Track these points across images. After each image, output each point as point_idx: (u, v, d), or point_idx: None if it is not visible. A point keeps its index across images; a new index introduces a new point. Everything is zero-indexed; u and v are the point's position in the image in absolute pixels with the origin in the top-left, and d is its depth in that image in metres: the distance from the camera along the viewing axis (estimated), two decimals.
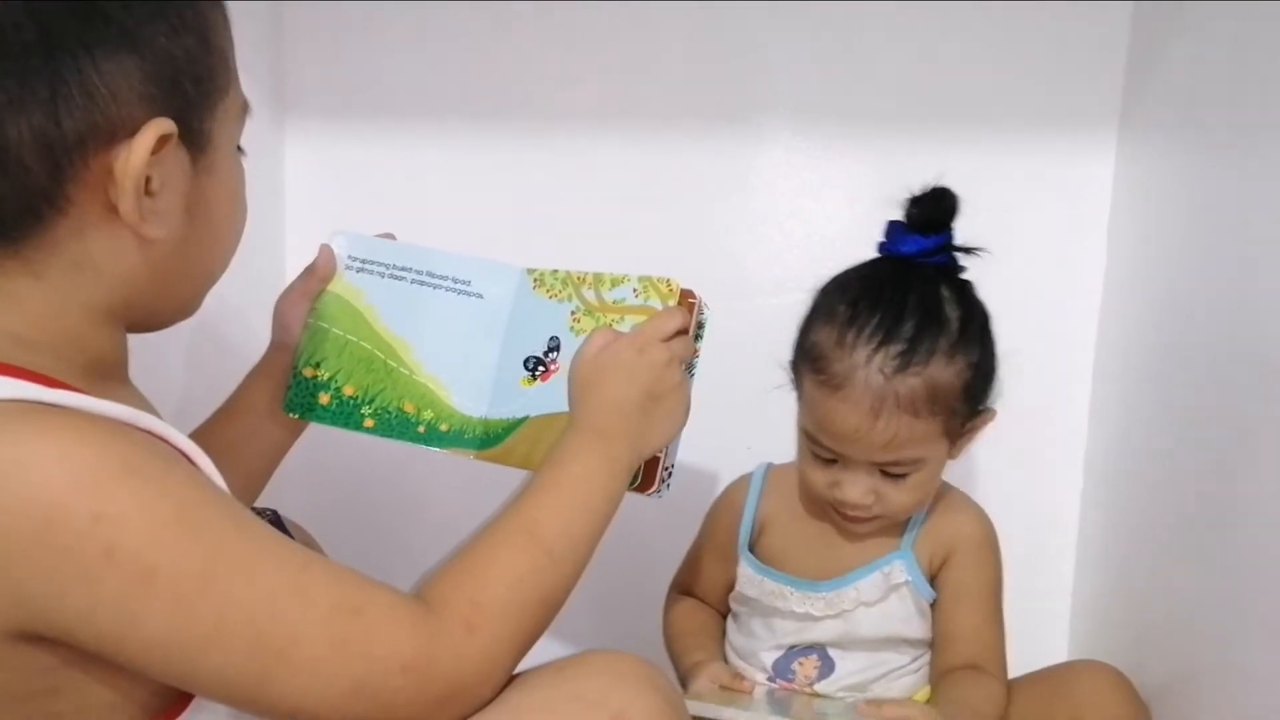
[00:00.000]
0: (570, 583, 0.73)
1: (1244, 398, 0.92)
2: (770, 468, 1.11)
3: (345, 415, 0.96)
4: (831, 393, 0.94)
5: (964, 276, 0.99)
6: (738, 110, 1.33)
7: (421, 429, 0.95)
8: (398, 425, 0.96)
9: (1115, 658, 1.03)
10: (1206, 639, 0.96)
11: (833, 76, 1.31)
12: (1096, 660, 1.03)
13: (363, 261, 0.97)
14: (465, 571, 0.68)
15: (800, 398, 1.01)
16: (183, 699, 0.64)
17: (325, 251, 0.96)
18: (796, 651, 1.03)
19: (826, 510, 1.03)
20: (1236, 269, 0.96)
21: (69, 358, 0.64)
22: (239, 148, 0.73)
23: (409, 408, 0.96)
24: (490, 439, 0.94)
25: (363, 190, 1.40)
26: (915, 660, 1.03)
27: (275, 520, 0.91)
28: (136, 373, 0.72)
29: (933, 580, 1.03)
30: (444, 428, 0.95)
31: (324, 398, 0.95)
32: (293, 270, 0.98)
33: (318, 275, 0.96)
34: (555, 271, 0.94)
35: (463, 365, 0.96)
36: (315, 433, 0.98)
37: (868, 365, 0.92)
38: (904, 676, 1.03)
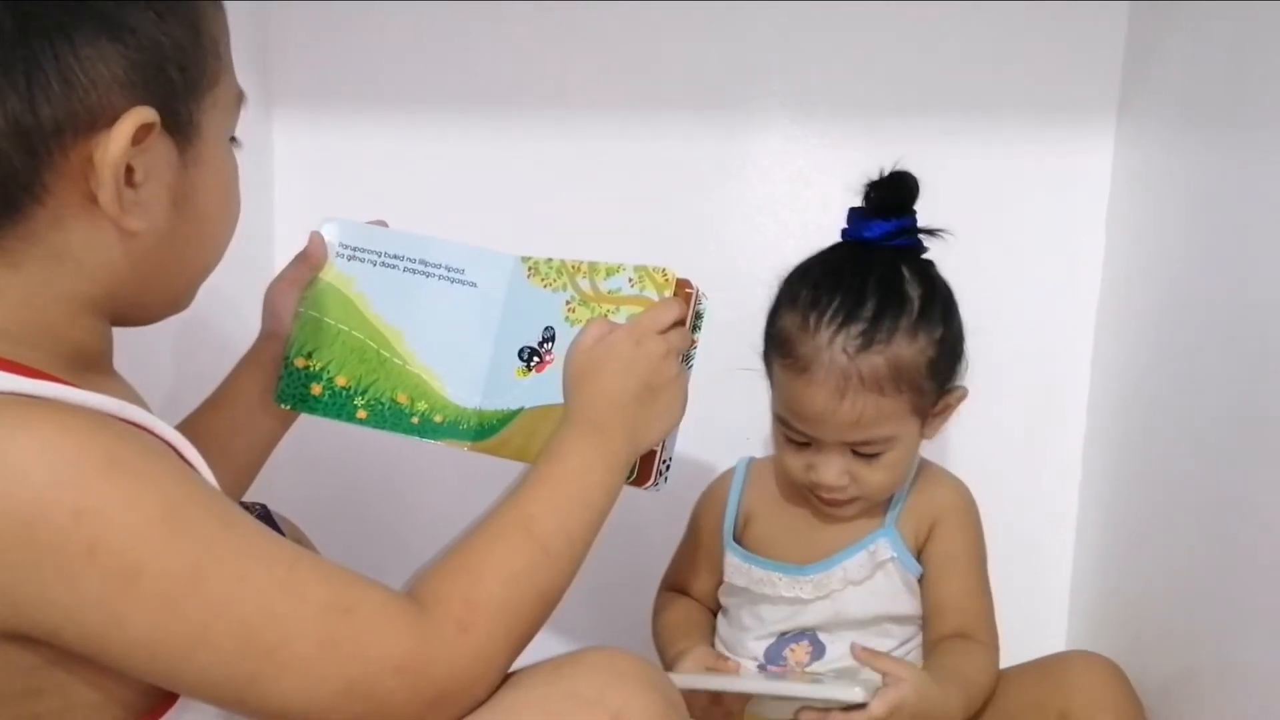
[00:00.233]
0: (567, 579, 0.71)
1: (1243, 389, 0.91)
2: (752, 461, 1.13)
3: (338, 406, 0.94)
4: (798, 375, 0.96)
5: (928, 257, 1.01)
6: (734, 99, 1.32)
7: (415, 420, 0.94)
8: (391, 416, 0.94)
9: (1113, 652, 1.03)
10: (1205, 633, 0.96)
11: (830, 65, 1.30)
12: (1090, 651, 1.03)
13: (354, 249, 0.95)
14: (459, 569, 0.67)
15: (772, 384, 1.03)
16: (168, 698, 0.62)
17: (316, 239, 0.95)
18: (788, 638, 1.04)
19: (807, 496, 1.04)
20: (1235, 259, 0.95)
21: (49, 349, 0.62)
22: (233, 139, 0.71)
23: (402, 399, 0.94)
24: (485, 430, 0.93)
25: (352, 180, 1.38)
26: (904, 644, 1.03)
27: (265, 515, 0.89)
28: (122, 363, 0.70)
29: (918, 556, 1.04)
30: (438, 419, 0.94)
31: (316, 388, 0.94)
32: (282, 259, 0.96)
33: (309, 263, 0.94)
34: (550, 260, 0.92)
35: (456, 355, 0.94)
36: (306, 425, 0.97)
37: (831, 346, 0.95)
38: None
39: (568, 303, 0.90)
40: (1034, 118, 1.27)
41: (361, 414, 0.94)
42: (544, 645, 0.70)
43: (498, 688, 0.66)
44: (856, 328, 0.94)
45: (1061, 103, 1.26)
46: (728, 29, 1.30)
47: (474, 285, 0.95)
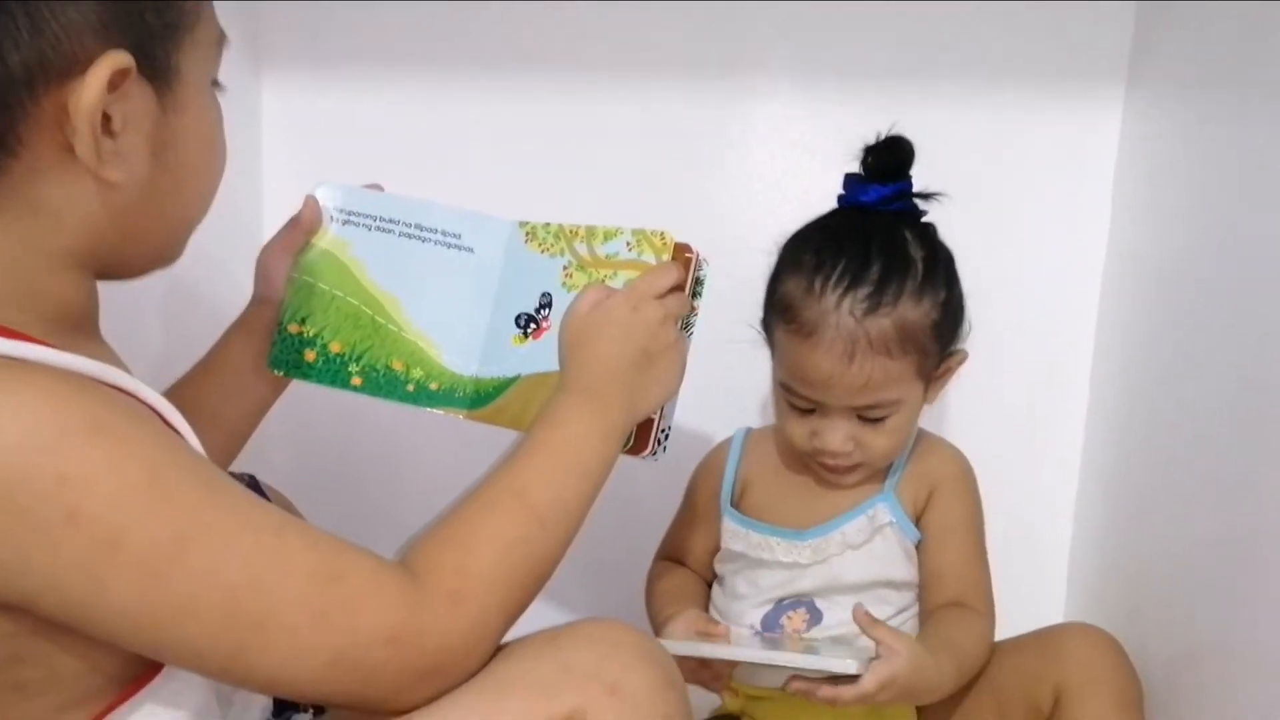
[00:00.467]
0: (561, 549, 0.70)
1: (1248, 363, 0.91)
2: (750, 431, 1.13)
3: (332, 373, 0.93)
4: (804, 340, 0.96)
5: (929, 220, 1.01)
6: (734, 64, 1.30)
7: (410, 388, 0.93)
8: (386, 384, 0.93)
9: (1110, 625, 1.02)
10: (1204, 607, 0.96)
11: (833, 31, 1.28)
12: (1087, 623, 1.03)
13: (349, 213, 0.94)
14: (452, 538, 0.66)
15: (774, 352, 1.03)
16: (154, 667, 0.61)
17: (310, 203, 0.93)
18: (785, 605, 1.03)
19: (808, 464, 1.05)
20: (1242, 231, 0.95)
21: (31, 308, 0.60)
22: (215, 82, 0.69)
23: (398, 365, 0.93)
24: (481, 398, 0.92)
25: (343, 142, 1.35)
26: (901, 613, 1.03)
27: (253, 485, 0.88)
28: (110, 328, 0.68)
29: (917, 523, 1.04)
30: (434, 386, 0.93)
31: (310, 355, 0.93)
32: (271, 222, 0.95)
33: (303, 228, 0.93)
34: (548, 225, 0.91)
35: (453, 322, 0.93)
36: (296, 392, 0.96)
37: (838, 309, 0.95)
38: None
39: (565, 268, 0.89)
40: (1042, 86, 1.26)
41: (356, 381, 0.93)
42: (538, 616, 0.69)
43: (490, 659, 0.65)
44: (863, 290, 0.94)
45: (1069, 71, 1.25)
46: None
47: (471, 251, 0.94)
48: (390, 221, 0.94)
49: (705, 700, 0.99)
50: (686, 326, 0.87)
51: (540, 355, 0.88)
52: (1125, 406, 1.20)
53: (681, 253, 0.85)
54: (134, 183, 0.62)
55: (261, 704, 0.72)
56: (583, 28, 1.31)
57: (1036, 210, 1.27)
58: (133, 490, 0.54)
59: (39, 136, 0.58)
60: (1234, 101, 0.99)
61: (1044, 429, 1.31)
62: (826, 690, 0.87)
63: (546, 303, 0.90)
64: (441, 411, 0.93)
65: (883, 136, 0.99)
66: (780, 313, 0.99)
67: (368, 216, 0.94)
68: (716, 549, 1.10)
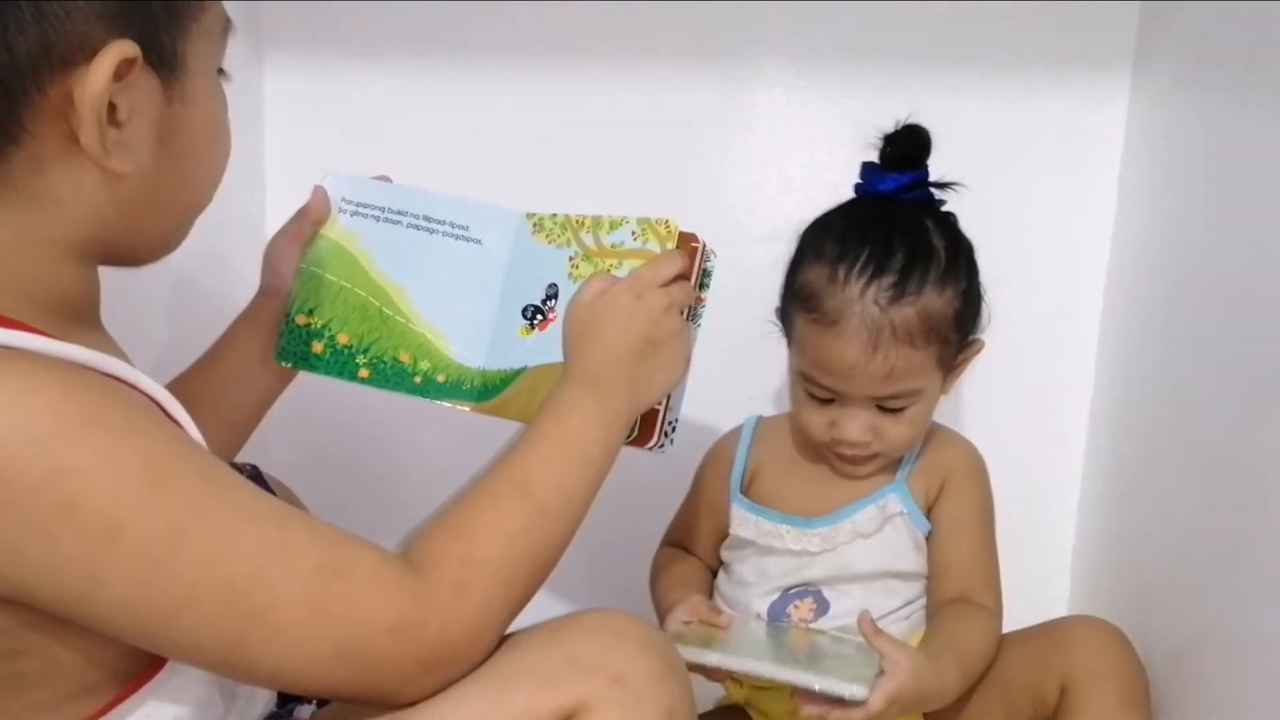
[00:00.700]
0: (565, 540, 0.70)
1: (1254, 351, 0.90)
2: (760, 419, 1.13)
3: (340, 365, 0.93)
4: (827, 329, 0.95)
5: (952, 210, 1.01)
6: (738, 50, 1.29)
7: (418, 380, 0.93)
8: (393, 376, 0.93)
9: (1115, 616, 1.02)
10: (1209, 597, 0.95)
11: (837, 20, 1.27)
12: (1093, 616, 1.03)
13: (357, 204, 0.94)
14: (455, 529, 0.65)
15: (792, 341, 1.02)
16: (156, 662, 0.61)
17: (319, 194, 0.93)
18: (792, 594, 1.03)
19: (823, 454, 1.04)
20: (1248, 218, 0.94)
21: (31, 297, 0.60)
22: (221, 70, 0.69)
23: (405, 357, 0.93)
24: (488, 390, 0.91)
25: (345, 128, 1.35)
26: (907, 605, 1.03)
27: (255, 476, 0.88)
28: (113, 320, 0.68)
29: (928, 514, 1.04)
30: (441, 379, 0.93)
31: (318, 346, 0.93)
32: (274, 211, 0.95)
33: (310, 218, 0.93)
34: (554, 215, 0.90)
35: (460, 314, 0.93)
36: (299, 382, 0.96)
37: (862, 298, 0.94)
38: (896, 623, 1.02)
39: (571, 259, 0.88)
40: (1047, 72, 1.25)
41: (363, 373, 0.93)
42: (541, 607, 0.69)
43: (494, 650, 0.65)
44: (888, 279, 0.94)
45: (1076, 57, 1.24)
46: None
47: (479, 242, 0.94)
48: (398, 213, 0.94)
49: (709, 690, 0.98)
50: (694, 317, 0.87)
51: (547, 347, 0.88)
52: (1130, 396, 1.20)
53: (687, 242, 0.85)
54: (139, 173, 0.62)
55: (265, 697, 0.72)
56: (585, 15, 1.30)
57: (1041, 200, 1.26)
58: (130, 482, 0.54)
59: (43, 125, 0.58)
60: (1239, 91, 0.98)
61: (1048, 419, 1.30)
62: (837, 714, 0.86)
63: (553, 294, 0.89)
64: (449, 404, 0.93)
65: (900, 125, 0.99)
66: (802, 302, 0.98)
67: (376, 208, 0.94)
68: (723, 536, 1.09)
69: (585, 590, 1.15)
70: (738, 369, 1.15)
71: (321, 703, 0.76)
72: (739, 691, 1.03)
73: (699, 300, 0.87)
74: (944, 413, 1.05)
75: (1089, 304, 1.27)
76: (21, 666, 0.57)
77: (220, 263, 1.03)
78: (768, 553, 1.04)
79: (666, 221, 0.85)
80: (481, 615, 0.63)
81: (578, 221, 0.89)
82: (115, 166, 0.60)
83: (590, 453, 0.73)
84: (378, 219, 0.94)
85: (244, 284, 0.95)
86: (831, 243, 0.97)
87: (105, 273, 0.67)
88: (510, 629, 0.66)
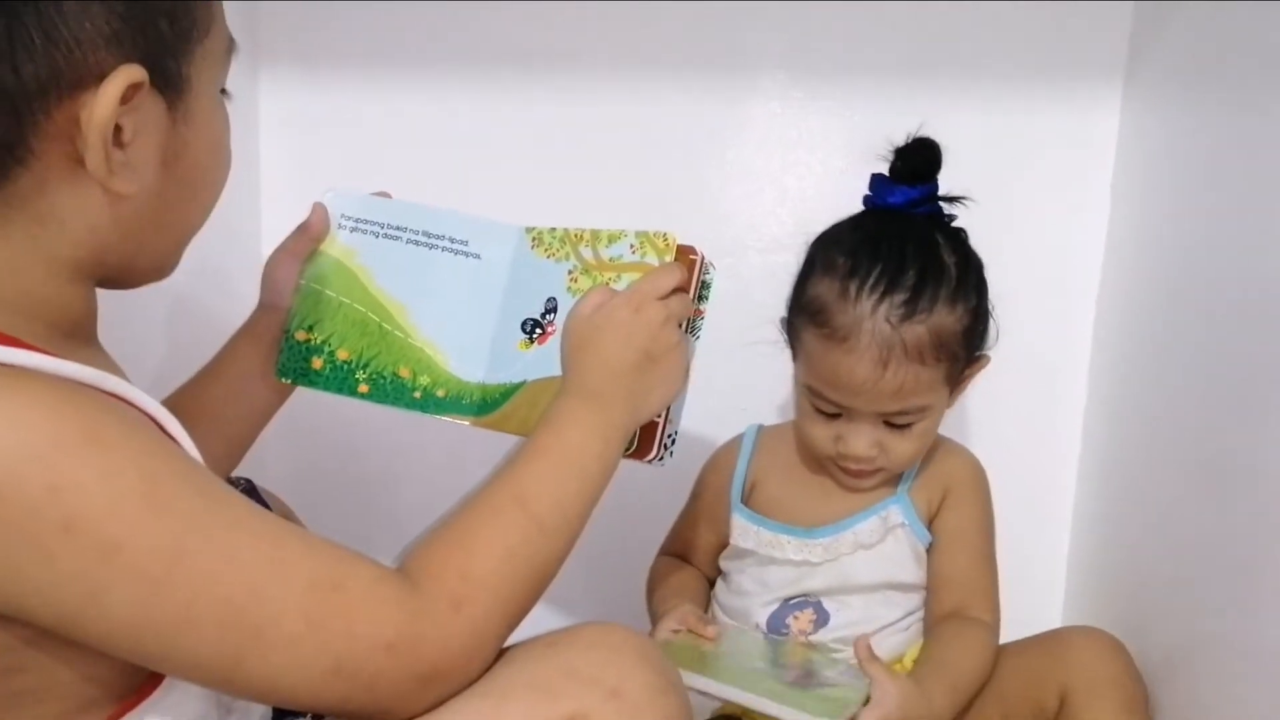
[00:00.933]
0: (562, 554, 0.70)
1: (1247, 359, 0.90)
2: (761, 429, 1.12)
3: (339, 380, 0.93)
4: (837, 345, 0.94)
5: (956, 225, 1.00)
6: (734, 63, 1.30)
7: (417, 395, 0.93)
8: (393, 391, 0.93)
9: (1110, 624, 1.03)
10: (1205, 606, 0.95)
11: (831, 30, 1.28)
12: (1091, 626, 1.03)
13: (357, 220, 0.94)
14: (452, 544, 0.65)
15: (799, 354, 1.01)
16: (154, 679, 0.61)
17: (318, 210, 0.93)
18: (792, 605, 1.03)
19: (825, 466, 1.04)
20: (1240, 220, 0.95)
21: (30, 315, 0.60)
22: (223, 90, 0.69)
23: (404, 373, 0.93)
24: (488, 405, 0.91)
25: (341, 141, 1.35)
26: (906, 617, 1.03)
27: (249, 490, 0.88)
28: (110, 336, 0.69)
29: (929, 525, 1.04)
30: (440, 393, 0.93)
31: (317, 362, 0.93)
32: (270, 225, 0.95)
33: (310, 234, 0.93)
34: (554, 230, 0.91)
35: (460, 329, 0.93)
36: (296, 396, 0.96)
37: (874, 315, 0.93)
38: (895, 634, 1.02)
39: (570, 272, 0.89)
40: (1040, 83, 1.25)
41: (363, 388, 0.93)
42: (539, 619, 0.69)
43: (492, 664, 0.65)
44: (900, 296, 0.93)
45: (1068, 68, 1.25)
46: None
47: (478, 257, 0.94)
48: (398, 229, 0.94)
49: (706, 702, 0.98)
50: (693, 330, 0.87)
51: (546, 361, 0.88)
52: (1124, 403, 1.20)
53: (686, 255, 0.85)
54: (142, 193, 0.62)
55: (260, 713, 0.72)
56: (581, 28, 1.31)
57: (1035, 207, 1.27)
58: (128, 499, 0.54)
59: (49, 147, 0.58)
60: (1231, 98, 0.98)
61: (1042, 426, 1.30)
62: None
63: (552, 308, 0.89)
64: (448, 418, 0.93)
65: (912, 138, 0.98)
66: (811, 315, 0.97)
67: (375, 224, 0.94)
68: (722, 546, 1.09)
69: (583, 602, 1.15)
70: (735, 380, 1.15)
71: (318, 718, 0.76)
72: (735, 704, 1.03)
73: (698, 313, 0.87)
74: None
75: (1083, 311, 1.28)
76: (19, 684, 0.57)
77: (217, 278, 1.03)
78: (768, 563, 1.04)
79: (665, 234, 0.85)
80: (479, 630, 0.63)
81: (576, 235, 0.89)
82: (119, 187, 0.60)
83: (589, 467, 0.73)
84: (377, 235, 0.94)
85: (241, 299, 0.95)
86: (843, 256, 0.96)
87: (103, 289, 0.67)
88: (508, 642, 0.66)
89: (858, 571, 1.02)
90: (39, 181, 0.59)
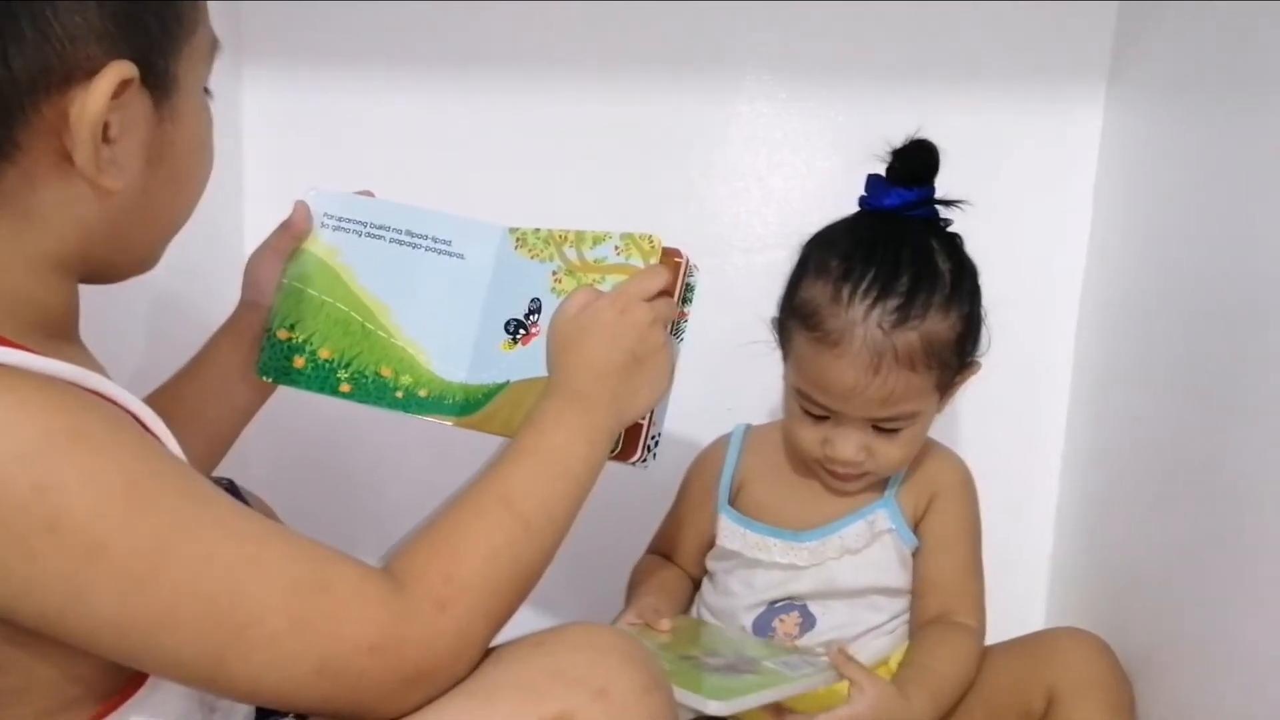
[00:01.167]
0: (548, 555, 0.70)
1: (1230, 355, 0.91)
2: (749, 428, 1.12)
3: (321, 379, 0.93)
4: (828, 349, 0.94)
5: (951, 230, 1.00)
6: (717, 59, 1.30)
7: (399, 394, 0.92)
8: (375, 390, 0.93)
9: (1093, 625, 1.03)
10: (1189, 604, 0.96)
11: (817, 26, 1.28)
12: (1077, 628, 1.03)
13: (340, 219, 0.94)
14: (437, 544, 0.65)
15: (790, 356, 1.01)
16: (137, 679, 0.61)
17: (301, 208, 0.93)
18: (778, 608, 1.03)
19: (813, 468, 1.04)
20: (1223, 222, 0.95)
21: (13, 312, 0.60)
22: (205, 89, 0.69)
23: (386, 372, 0.93)
24: (470, 405, 0.91)
25: (326, 140, 1.35)
26: (892, 620, 1.03)
27: (231, 490, 0.87)
28: (91, 334, 0.68)
29: (915, 529, 1.04)
30: (423, 393, 0.92)
31: (299, 361, 0.92)
32: (252, 225, 0.95)
33: (292, 233, 0.92)
34: (537, 230, 0.90)
35: (442, 329, 0.93)
36: (278, 395, 0.95)
37: (865, 320, 0.93)
38: (880, 637, 1.02)
39: (554, 273, 0.88)
40: (1023, 85, 1.26)
41: (345, 388, 0.93)
42: (524, 620, 0.68)
43: (477, 665, 0.64)
44: (892, 302, 0.93)
45: (1052, 66, 1.25)
46: None
47: (461, 257, 0.93)
48: (381, 228, 0.93)
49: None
50: (677, 332, 0.87)
51: (529, 361, 0.88)
52: (1106, 404, 1.20)
53: (671, 257, 0.85)
54: (127, 189, 0.62)
55: (244, 712, 0.71)
56: (566, 27, 1.31)
57: (1017, 209, 1.27)
58: (112, 499, 0.53)
59: (36, 143, 0.58)
60: (1215, 100, 0.99)
61: (1025, 428, 1.31)
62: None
63: (536, 308, 0.89)
64: (431, 419, 0.92)
65: (910, 140, 0.98)
66: (803, 318, 0.97)
67: (358, 222, 0.93)
68: (708, 546, 1.09)
69: (569, 604, 1.14)
70: (718, 380, 1.15)
71: (301, 717, 0.76)
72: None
73: (681, 315, 0.87)
74: None
75: (1065, 313, 1.28)
76: (1, 683, 0.57)
77: (198, 276, 1.02)
78: (754, 565, 1.04)
79: (650, 237, 0.85)
80: (464, 631, 0.63)
81: (560, 236, 0.89)
82: (106, 183, 0.60)
83: (574, 468, 0.72)
84: (360, 234, 0.93)
85: (222, 297, 0.95)
86: (836, 259, 0.96)
87: (85, 286, 0.67)
88: (494, 642, 0.66)
89: (844, 576, 1.02)
90: (25, 177, 0.58)
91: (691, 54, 1.30)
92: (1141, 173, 1.15)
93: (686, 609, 1.09)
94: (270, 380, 0.93)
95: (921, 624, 1.02)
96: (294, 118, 1.36)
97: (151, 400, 0.62)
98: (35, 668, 0.57)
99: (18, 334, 0.57)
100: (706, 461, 1.11)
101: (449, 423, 0.92)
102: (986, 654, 1.00)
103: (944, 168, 0.98)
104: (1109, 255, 1.23)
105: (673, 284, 0.84)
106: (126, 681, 0.61)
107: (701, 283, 0.88)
